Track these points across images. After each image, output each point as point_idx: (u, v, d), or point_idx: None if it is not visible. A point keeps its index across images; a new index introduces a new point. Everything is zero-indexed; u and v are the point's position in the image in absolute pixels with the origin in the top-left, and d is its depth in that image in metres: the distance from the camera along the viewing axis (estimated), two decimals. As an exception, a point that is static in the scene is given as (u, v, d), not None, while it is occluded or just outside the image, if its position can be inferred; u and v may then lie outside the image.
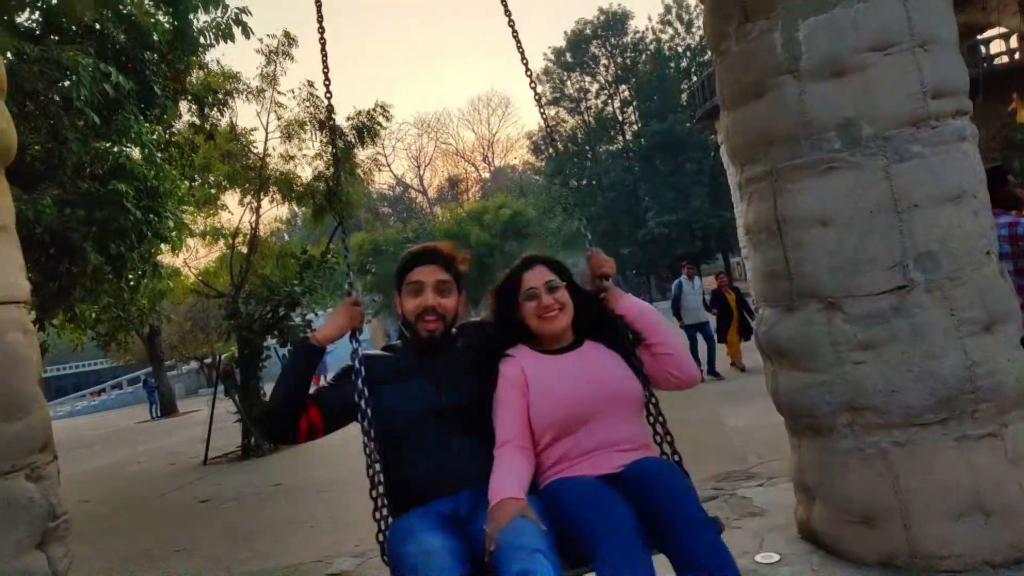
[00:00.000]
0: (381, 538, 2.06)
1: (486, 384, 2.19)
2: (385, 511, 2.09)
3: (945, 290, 3.05)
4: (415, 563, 1.77)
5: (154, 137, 7.95)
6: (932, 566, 3.04)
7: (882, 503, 3.13)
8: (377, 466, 2.13)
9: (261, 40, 11.16)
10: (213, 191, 12.35)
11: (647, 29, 48.91)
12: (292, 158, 11.95)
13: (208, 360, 35.94)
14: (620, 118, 50.36)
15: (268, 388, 11.66)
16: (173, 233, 7.95)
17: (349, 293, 2.36)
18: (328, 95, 2.56)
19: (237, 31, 7.38)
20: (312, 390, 2.28)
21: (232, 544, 5.59)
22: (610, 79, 49.78)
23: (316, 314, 13.34)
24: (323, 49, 2.59)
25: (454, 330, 2.35)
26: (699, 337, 11.11)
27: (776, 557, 3.48)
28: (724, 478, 4.98)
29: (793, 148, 3.24)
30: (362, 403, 2.15)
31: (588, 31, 48.56)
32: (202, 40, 7.40)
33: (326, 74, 2.54)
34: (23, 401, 2.93)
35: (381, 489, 2.11)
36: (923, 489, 3.07)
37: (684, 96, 46.18)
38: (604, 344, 2.29)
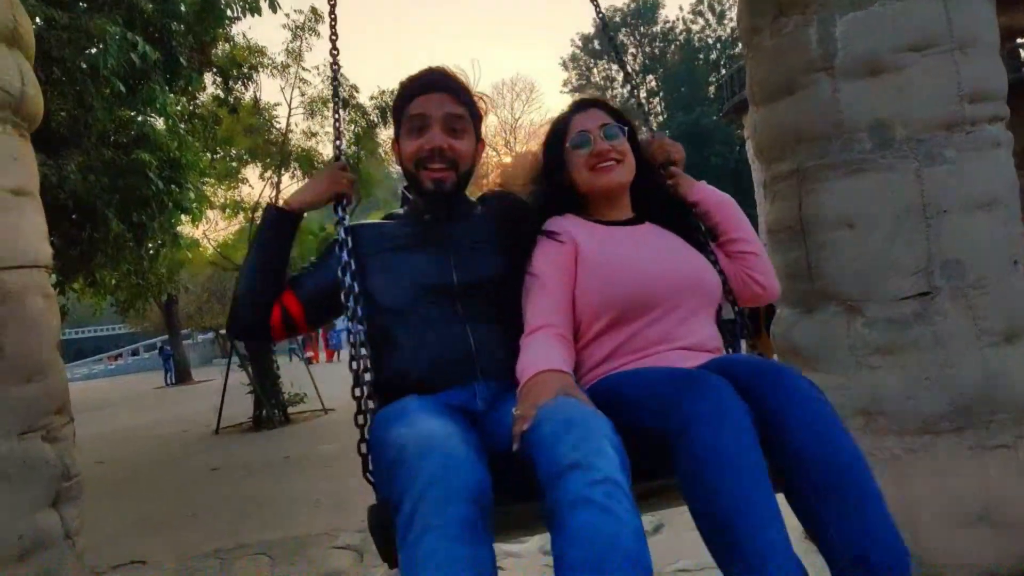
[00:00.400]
0: (364, 448, 1.49)
1: (516, 262, 1.69)
2: (371, 410, 1.52)
3: (969, 298, 3.01)
4: (412, 449, 1.23)
5: (178, 108, 7.99)
6: (937, 574, 3.02)
7: (891, 509, 3.10)
8: (364, 357, 1.56)
9: (288, 15, 11.17)
10: (234, 164, 12.41)
11: (678, 19, 48.54)
12: (314, 135, 11.99)
13: (223, 331, 36.37)
14: (646, 108, 49.91)
15: (281, 360, 11.79)
16: (194, 205, 8.02)
17: (337, 157, 1.87)
18: (335, 66, 2.12)
19: (264, 4, 7.36)
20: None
21: (240, 512, 5.67)
22: (637, 68, 49.36)
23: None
24: (332, 25, 2.16)
25: (472, 198, 1.89)
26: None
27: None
28: (732, 475, 4.97)
29: (822, 147, 3.19)
30: (347, 278, 1.61)
31: (617, 18, 48.13)
32: (229, 12, 7.39)
33: (333, 42, 2.13)
34: (40, 364, 2.97)
35: (367, 388, 1.54)
36: (933, 497, 3.05)
37: (712, 89, 45.81)
38: (672, 232, 1.82)
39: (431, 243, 1.75)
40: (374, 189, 12.15)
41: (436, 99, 1.73)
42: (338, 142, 1.96)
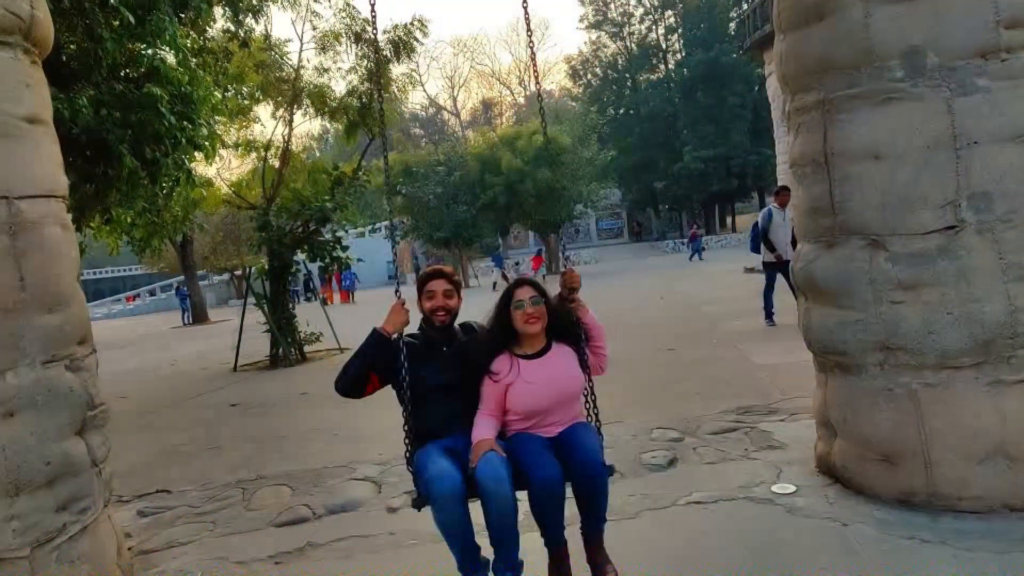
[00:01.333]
0: (408, 454, 3.03)
1: (476, 371, 3.01)
2: (410, 443, 3.03)
3: (996, 232, 2.95)
4: (431, 474, 2.73)
5: (188, 42, 7.85)
6: (950, 506, 3.05)
7: (906, 442, 3.12)
8: (407, 415, 3.06)
9: (297, -55, 10.84)
10: (246, 102, 12.25)
11: (699, -49, 46.62)
12: (326, 71, 11.77)
13: (238, 272, 36.63)
14: (664, 45, 48.68)
15: (297, 299, 11.86)
16: (206, 142, 7.94)
17: (398, 295, 3.07)
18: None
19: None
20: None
21: (260, 446, 5.79)
22: (656, 3, 47.88)
23: (345, 231, 13.40)
24: None
25: (458, 325, 3.25)
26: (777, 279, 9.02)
27: (792, 488, 3.51)
28: (746, 411, 5.00)
29: (851, 76, 3.10)
30: (403, 373, 3.03)
31: (636, -49, 46.50)
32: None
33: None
34: (62, 295, 3.00)
35: (409, 431, 3.05)
36: (949, 431, 3.06)
37: (733, 25, 44.42)
38: (566, 343, 3.06)
39: (437, 357, 3.13)
40: (387, 128, 11.99)
41: (439, 283, 3.15)
42: (397, 284, 3.18)
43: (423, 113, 61.25)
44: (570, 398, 3.00)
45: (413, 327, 3.17)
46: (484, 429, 2.88)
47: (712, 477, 3.83)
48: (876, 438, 3.21)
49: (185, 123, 7.18)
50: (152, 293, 44.33)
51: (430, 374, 3.04)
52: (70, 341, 3.02)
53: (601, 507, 2.83)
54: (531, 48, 3.37)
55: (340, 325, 12.11)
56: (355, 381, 3.10)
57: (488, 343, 3.05)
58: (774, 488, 3.54)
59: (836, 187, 3.21)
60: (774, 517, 3.26)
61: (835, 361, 3.38)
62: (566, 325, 3.06)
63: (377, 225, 40.04)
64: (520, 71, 62.36)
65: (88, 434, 3.08)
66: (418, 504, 2.83)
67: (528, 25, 3.18)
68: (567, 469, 2.74)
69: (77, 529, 2.97)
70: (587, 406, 3.08)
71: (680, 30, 47.19)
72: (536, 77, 3.65)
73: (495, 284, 26.22)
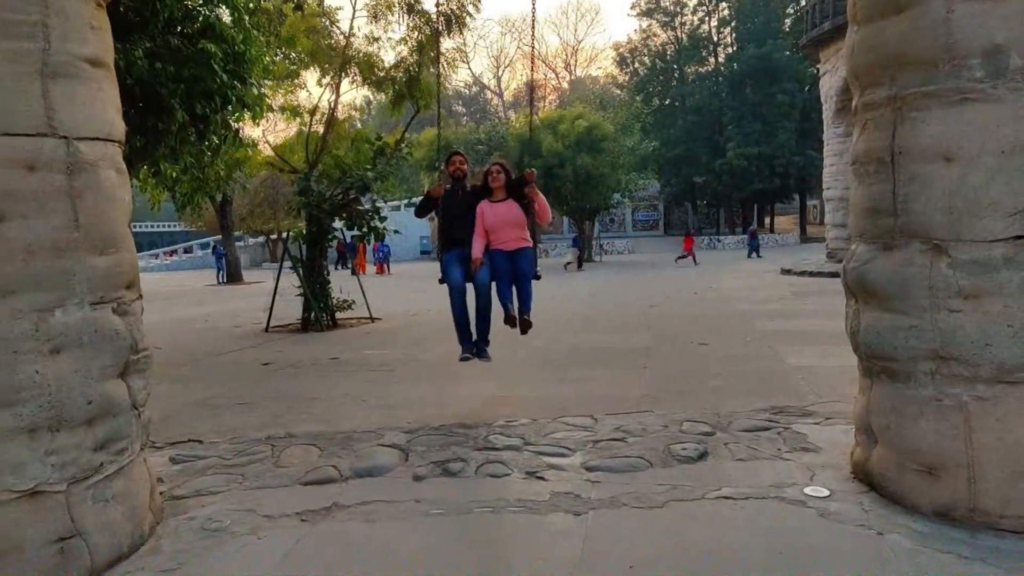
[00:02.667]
0: (439, 251, 5.58)
1: (474, 207, 5.24)
2: (441, 245, 5.44)
3: (1067, 246, 2.83)
4: (449, 277, 5.22)
5: (243, 1, 7.86)
6: (991, 524, 2.96)
7: (950, 455, 3.04)
8: (443, 228, 5.43)
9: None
10: (294, 67, 12.28)
11: (760, -57, 45.55)
12: (376, 40, 11.74)
13: (274, 236, 37.04)
14: (715, 38, 47.81)
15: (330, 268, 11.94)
16: (256, 102, 7.98)
17: (439, 181, 5.54)
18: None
19: None
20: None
21: (290, 405, 5.85)
22: (711, -7, 46.96)
23: (384, 201, 13.43)
24: None
25: (466, 183, 5.50)
26: None
27: (826, 492, 3.44)
28: (779, 411, 4.92)
29: (927, 73, 2.98)
30: (439, 212, 5.47)
31: (695, -61, 45.61)
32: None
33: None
34: (114, 237, 3.03)
35: (441, 236, 5.45)
36: (997, 446, 2.96)
37: (788, 22, 43.48)
38: (517, 202, 5.22)
39: (457, 197, 5.41)
40: (433, 102, 11.92)
41: (457, 157, 5.65)
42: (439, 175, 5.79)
43: (466, 91, 61.07)
44: (517, 225, 5.20)
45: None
46: (476, 248, 5.15)
47: (743, 474, 3.77)
48: (919, 448, 3.12)
49: (236, 82, 7.22)
50: (188, 251, 45.09)
51: (454, 207, 5.32)
52: (119, 284, 3.05)
53: (526, 293, 5.21)
54: (532, 28, 5.18)
55: (373, 296, 12.20)
56: (422, 212, 5.70)
57: (477, 192, 5.34)
58: (807, 490, 3.48)
59: (900, 187, 3.10)
60: (805, 520, 3.20)
61: (882, 367, 3.29)
62: (520, 192, 5.20)
63: (414, 199, 40.16)
64: (567, 55, 61.84)
65: (130, 377, 3.12)
66: (441, 281, 5.32)
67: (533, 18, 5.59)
68: (514, 271, 5.18)
69: (113, 469, 3.02)
70: (531, 236, 5.34)
71: (733, 23, 46.28)
72: (532, 67, 5.17)
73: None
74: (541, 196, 5.24)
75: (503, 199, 5.21)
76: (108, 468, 2.99)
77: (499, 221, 5.13)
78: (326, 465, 4.13)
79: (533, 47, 5.31)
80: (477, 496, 3.64)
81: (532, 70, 6.83)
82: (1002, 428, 2.96)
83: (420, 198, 5.71)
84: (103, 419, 2.97)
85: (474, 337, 5.28)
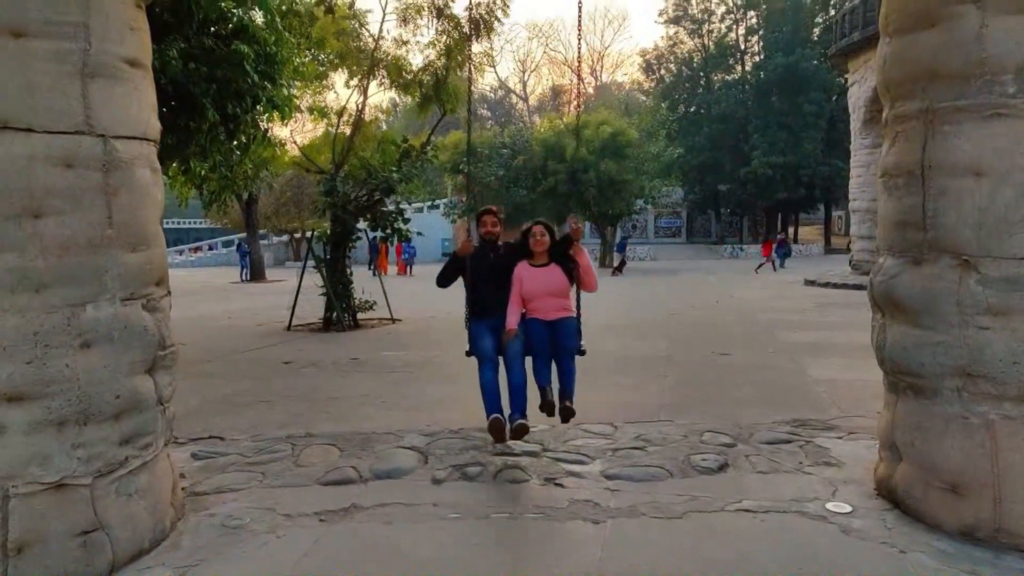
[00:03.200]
0: (467, 320, 4.78)
1: (510, 270, 4.62)
2: (469, 313, 4.75)
3: (1100, 265, 2.78)
4: (479, 349, 4.56)
5: (277, 2, 7.97)
6: (1016, 545, 2.92)
7: (976, 474, 2.99)
8: (471, 296, 4.74)
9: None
10: (323, 68, 12.41)
11: (789, -49, 45.19)
12: (405, 43, 11.83)
13: (298, 235, 37.36)
14: (742, 46, 47.50)
15: (354, 270, 12.06)
16: (285, 102, 8.08)
17: (468, 236, 4.73)
18: None
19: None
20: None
21: (310, 404, 5.91)
22: (739, 3, 46.71)
23: (408, 203, 13.48)
24: None
25: (499, 245, 4.79)
26: None
27: (848, 508, 3.41)
28: (801, 424, 4.87)
29: (959, 87, 2.95)
30: (467, 274, 4.74)
31: (725, -53, 45.39)
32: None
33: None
34: (146, 235, 3.08)
35: (470, 304, 4.75)
36: (1023, 467, 2.91)
37: (817, 31, 43.09)
38: (560, 267, 4.62)
39: (488, 261, 4.70)
40: (460, 106, 11.98)
41: (488, 217, 4.79)
42: (470, 233, 4.94)
43: (492, 95, 61.21)
44: (560, 294, 4.60)
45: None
46: (511, 318, 4.53)
47: (763, 486, 3.74)
48: (944, 466, 3.08)
49: (267, 82, 7.31)
50: (213, 247, 45.63)
51: (485, 271, 4.67)
52: (149, 281, 3.11)
53: (568, 371, 4.47)
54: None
55: (394, 297, 12.25)
56: (446, 280, 4.89)
57: (515, 255, 4.72)
58: (828, 505, 3.44)
59: (930, 201, 3.07)
60: (827, 535, 3.17)
61: (908, 382, 3.25)
62: (564, 254, 4.65)
63: (436, 201, 40.32)
64: (593, 61, 61.78)
65: (157, 373, 3.17)
66: (468, 353, 4.67)
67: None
68: (554, 344, 4.49)
69: (138, 464, 3.07)
70: (575, 308, 4.71)
71: (761, 32, 45.97)
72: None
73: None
74: (586, 257, 4.65)
75: (544, 264, 4.59)
76: (133, 463, 3.04)
77: (540, 288, 4.51)
78: (346, 466, 4.16)
79: (580, 40, 5.14)
80: (495, 501, 3.65)
81: (579, 73, 6.61)
82: (1030, 448, 2.91)
83: (446, 261, 4.92)
84: (129, 414, 3.02)
85: (507, 411, 4.37)
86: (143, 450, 3.10)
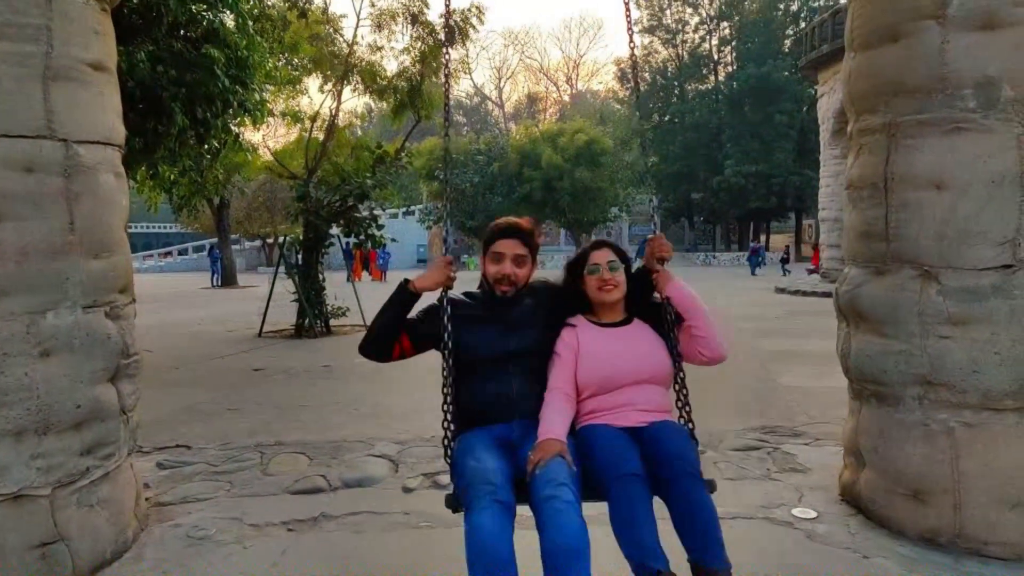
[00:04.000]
0: (447, 442, 2.53)
1: (547, 336, 2.63)
2: (452, 424, 2.54)
3: (1055, 276, 2.86)
4: (473, 475, 2.22)
5: (248, 6, 7.91)
6: (976, 550, 2.97)
7: (937, 480, 3.05)
8: (451, 387, 2.54)
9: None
10: (296, 73, 12.35)
11: (762, -36, 45.95)
12: (380, 49, 11.83)
13: (271, 240, 37.02)
14: (716, 57, 48.16)
15: (328, 275, 11.97)
16: (257, 107, 8.01)
17: (446, 251, 2.69)
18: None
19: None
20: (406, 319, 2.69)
21: (280, 412, 5.84)
22: (712, 14, 47.38)
23: (383, 209, 13.44)
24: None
25: (519, 289, 2.73)
26: None
27: (813, 514, 3.45)
28: (770, 431, 4.93)
29: (921, 102, 3.01)
30: (446, 337, 2.54)
31: (699, -42, 45.99)
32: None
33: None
34: (109, 242, 3.03)
35: (451, 408, 2.54)
36: (983, 473, 2.97)
37: (788, 43, 43.76)
38: (650, 324, 2.67)
39: (497, 322, 2.64)
40: (435, 112, 11.98)
41: (511, 244, 2.63)
42: (447, 237, 3.07)
43: (467, 101, 61.29)
44: (653, 379, 2.54)
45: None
46: (555, 417, 2.40)
47: (731, 493, 3.77)
48: (906, 472, 3.13)
49: (238, 87, 7.25)
50: (183, 252, 45.05)
51: (483, 342, 2.54)
52: (112, 288, 3.05)
53: (701, 508, 2.20)
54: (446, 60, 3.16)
55: (369, 302, 12.16)
56: (379, 340, 2.58)
57: (553, 306, 2.68)
58: (794, 511, 3.48)
59: (893, 213, 3.13)
60: (793, 541, 3.20)
61: (872, 390, 3.30)
62: (649, 304, 2.65)
63: (411, 207, 40.23)
64: (568, 68, 62.17)
65: (120, 382, 3.12)
66: (452, 505, 2.36)
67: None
68: (656, 467, 2.27)
69: (99, 474, 3.00)
70: (677, 403, 2.59)
71: (734, 43, 46.64)
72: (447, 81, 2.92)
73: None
74: (682, 287, 2.63)
75: (621, 322, 2.65)
76: (94, 473, 2.97)
77: (620, 367, 2.52)
78: (315, 474, 4.12)
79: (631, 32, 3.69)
80: (465, 509, 3.63)
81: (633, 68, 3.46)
82: (988, 454, 2.97)
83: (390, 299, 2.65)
84: (91, 423, 2.96)
85: None
86: (105, 460, 3.04)
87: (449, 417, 2.51)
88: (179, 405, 6.13)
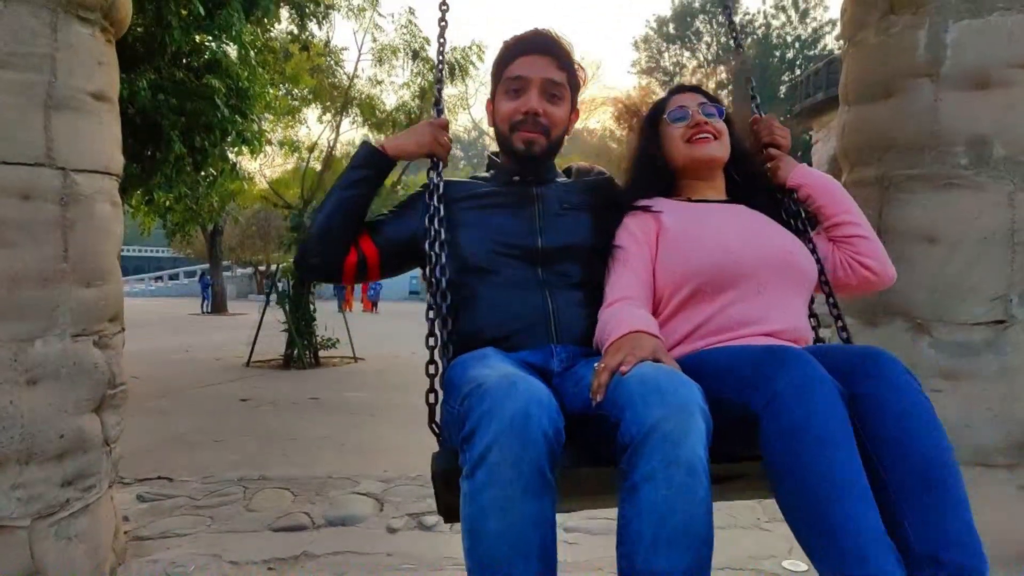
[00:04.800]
0: (432, 399, 1.53)
1: (603, 233, 1.69)
2: (442, 362, 1.54)
3: (1046, 333, 2.87)
4: (486, 384, 1.20)
5: (251, 38, 8.01)
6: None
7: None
8: (444, 307, 1.58)
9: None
10: (296, 103, 12.46)
11: (759, 12, 47.09)
12: (380, 83, 11.96)
13: (262, 268, 36.96)
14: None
15: (319, 304, 11.92)
16: (256, 137, 8.06)
17: (439, 112, 1.88)
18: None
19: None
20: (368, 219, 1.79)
21: (266, 445, 5.77)
22: (710, 58, 48.24)
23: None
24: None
25: (563, 167, 1.93)
26: None
27: (804, 567, 3.41)
28: (759, 479, 4.89)
29: (914, 157, 3.06)
30: (435, 225, 1.60)
31: (696, 4, 46.97)
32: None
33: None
34: (102, 270, 3.01)
35: (445, 336, 1.59)
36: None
37: (783, 89, 44.56)
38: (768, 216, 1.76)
39: (519, 204, 1.75)
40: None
41: (539, 62, 1.74)
42: (439, 105, 2.00)
43: (466, 135, 61.90)
44: (800, 275, 1.67)
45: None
46: (630, 314, 1.48)
47: (720, 543, 3.69)
48: (897, 527, 3.10)
49: (237, 117, 7.30)
50: (174, 277, 44.91)
51: (500, 232, 1.70)
52: (103, 317, 3.03)
53: (953, 485, 1.36)
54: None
55: (359, 334, 12.12)
56: (328, 232, 1.73)
57: (615, 188, 1.86)
58: (785, 563, 3.44)
59: (885, 265, 3.15)
60: (782, 594, 3.16)
61: (863, 442, 3.29)
62: (764, 189, 1.83)
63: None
64: (565, 107, 62.92)
65: (105, 412, 3.07)
66: (446, 506, 1.46)
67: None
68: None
69: (79, 507, 2.94)
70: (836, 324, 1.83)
71: (730, 87, 47.42)
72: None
73: None
74: (825, 176, 1.95)
75: (721, 200, 1.83)
76: (74, 505, 2.91)
77: (740, 248, 1.62)
78: (298, 511, 4.05)
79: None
80: (450, 552, 3.57)
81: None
82: (980, 512, 2.94)
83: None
84: (74, 454, 2.91)
85: None
86: (86, 492, 2.98)
87: (438, 357, 1.55)
88: (163, 435, 6.04)
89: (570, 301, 1.64)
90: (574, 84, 1.83)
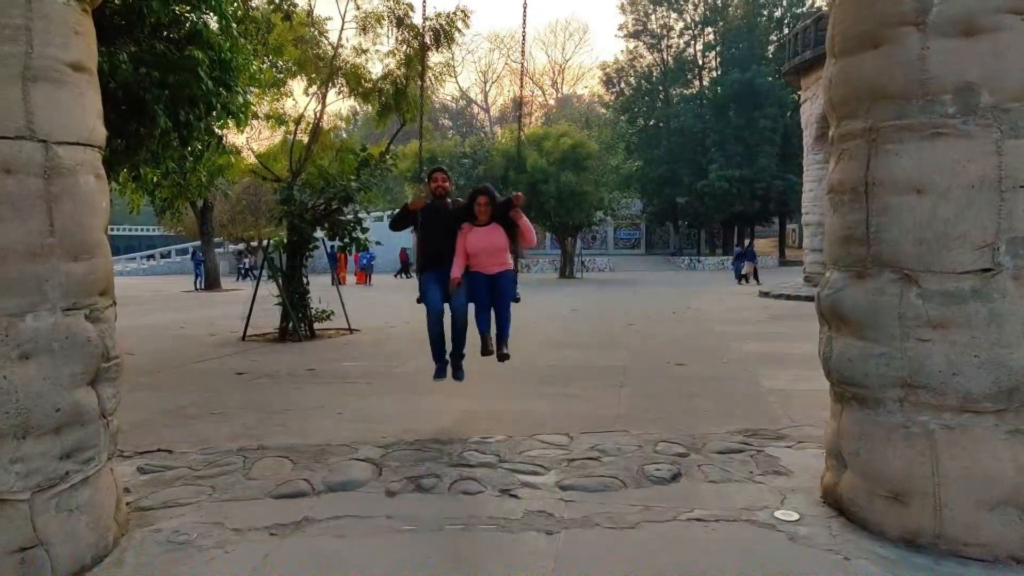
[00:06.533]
0: (418, 269, 5.49)
1: (457, 227, 5.32)
2: (421, 263, 5.44)
3: (1033, 279, 2.90)
4: (429, 298, 5.25)
5: (232, 8, 7.87)
6: (955, 551, 3.00)
7: (917, 481, 3.08)
8: (421, 247, 5.47)
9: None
10: (281, 75, 12.29)
11: (745, -30, 46.35)
12: (364, 52, 11.80)
13: (254, 243, 36.77)
14: (700, 62, 48.48)
15: (313, 279, 11.90)
16: (241, 110, 7.96)
17: (420, 180, 4.18)
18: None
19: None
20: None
21: (264, 416, 5.80)
22: (697, 19, 47.70)
23: (367, 212, 13.38)
24: None
25: (448, 200, 5.51)
26: None
27: (795, 516, 3.47)
28: (753, 434, 4.95)
29: (901, 107, 3.05)
30: (420, 222, 5.43)
31: (683, -36, 46.30)
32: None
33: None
34: (89, 244, 3.00)
35: (421, 254, 5.48)
36: (963, 474, 3.01)
37: (772, 48, 44.18)
38: (500, 227, 5.32)
39: (438, 216, 5.42)
40: (418, 114, 11.95)
41: (438, 175, 5.62)
42: (424, 177, 5.99)
43: (453, 105, 61.28)
44: (498, 250, 5.28)
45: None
46: (456, 269, 5.21)
47: (715, 496, 3.79)
48: (887, 474, 3.16)
49: (222, 89, 7.20)
50: (166, 255, 44.66)
51: (436, 225, 5.33)
52: (93, 291, 3.02)
53: (504, 317, 5.34)
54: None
55: (353, 306, 12.11)
56: (396, 227, 5.70)
57: (461, 215, 5.36)
58: (777, 514, 3.50)
59: (873, 217, 3.16)
60: (775, 543, 3.22)
61: (853, 393, 3.33)
62: (504, 214, 5.28)
63: (397, 210, 40.12)
64: (554, 73, 62.35)
65: (100, 385, 3.08)
66: (418, 300, 5.36)
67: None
68: (494, 294, 5.27)
69: (79, 479, 2.97)
70: (514, 261, 5.47)
71: (718, 48, 46.98)
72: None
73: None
74: (525, 219, 5.30)
75: (487, 223, 5.27)
76: (74, 477, 2.94)
77: (482, 246, 5.22)
78: (298, 478, 4.09)
79: (523, 63, 5.76)
80: (450, 513, 3.62)
81: (521, 86, 7.54)
82: (967, 456, 3.01)
83: (398, 210, 5.69)
84: (71, 427, 2.93)
85: (448, 356, 5.43)
86: (85, 464, 3.01)
87: (420, 264, 5.45)
88: (161, 409, 6.07)
89: (450, 250, 5.31)
90: (446, 177, 5.70)
